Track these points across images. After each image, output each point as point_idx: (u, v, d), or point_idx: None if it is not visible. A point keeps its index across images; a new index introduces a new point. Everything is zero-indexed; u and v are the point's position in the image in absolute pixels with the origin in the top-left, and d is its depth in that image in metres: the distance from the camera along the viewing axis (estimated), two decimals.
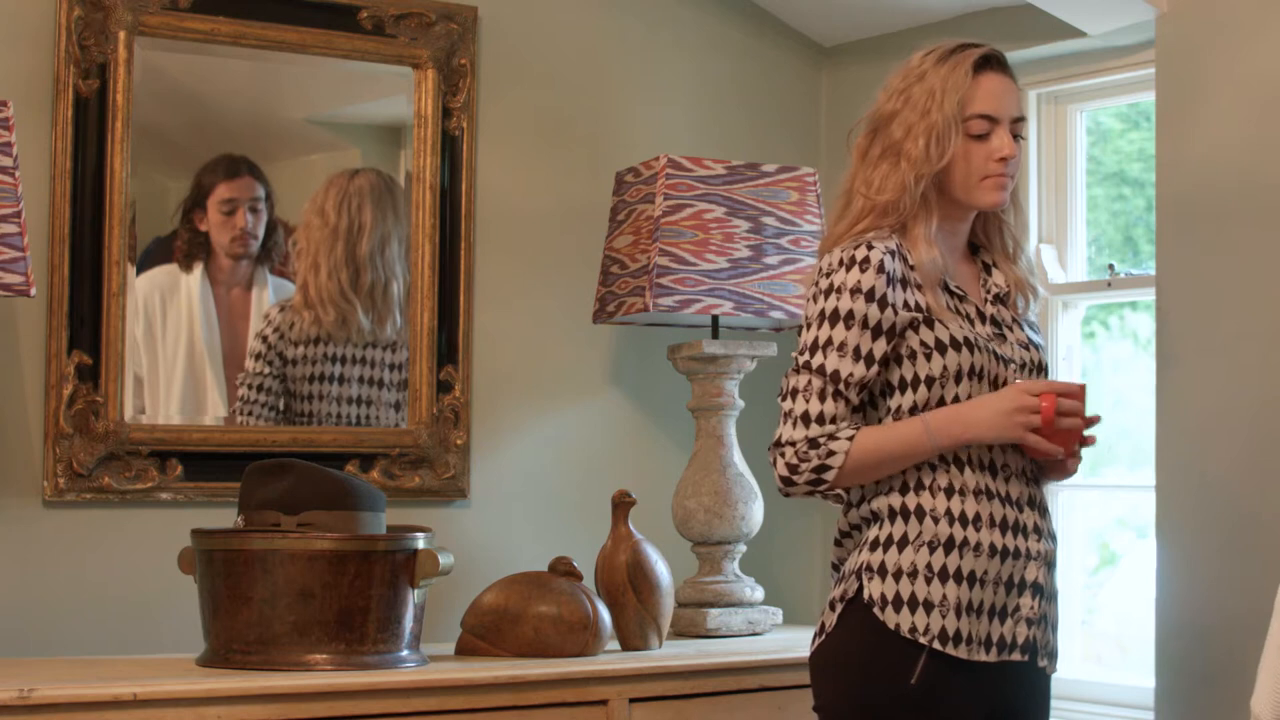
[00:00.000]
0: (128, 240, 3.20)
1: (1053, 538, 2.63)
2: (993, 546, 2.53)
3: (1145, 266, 3.51)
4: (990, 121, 2.58)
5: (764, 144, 3.87)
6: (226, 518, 3.05)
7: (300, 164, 3.48)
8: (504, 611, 3.08)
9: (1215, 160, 3.14)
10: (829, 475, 2.52)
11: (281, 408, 3.36)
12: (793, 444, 2.54)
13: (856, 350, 2.53)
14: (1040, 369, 2.67)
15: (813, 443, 2.53)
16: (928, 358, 2.54)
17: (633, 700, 2.98)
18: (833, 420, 2.53)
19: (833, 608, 2.58)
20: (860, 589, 2.53)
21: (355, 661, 2.83)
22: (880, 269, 2.53)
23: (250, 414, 3.33)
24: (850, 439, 2.52)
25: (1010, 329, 2.66)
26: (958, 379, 2.55)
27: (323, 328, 3.38)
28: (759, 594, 3.50)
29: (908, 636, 2.49)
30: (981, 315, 2.64)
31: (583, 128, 3.70)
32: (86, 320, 3.17)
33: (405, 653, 2.89)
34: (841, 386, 2.53)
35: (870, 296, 2.52)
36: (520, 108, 3.63)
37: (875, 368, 2.54)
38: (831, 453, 2.51)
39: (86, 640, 3.14)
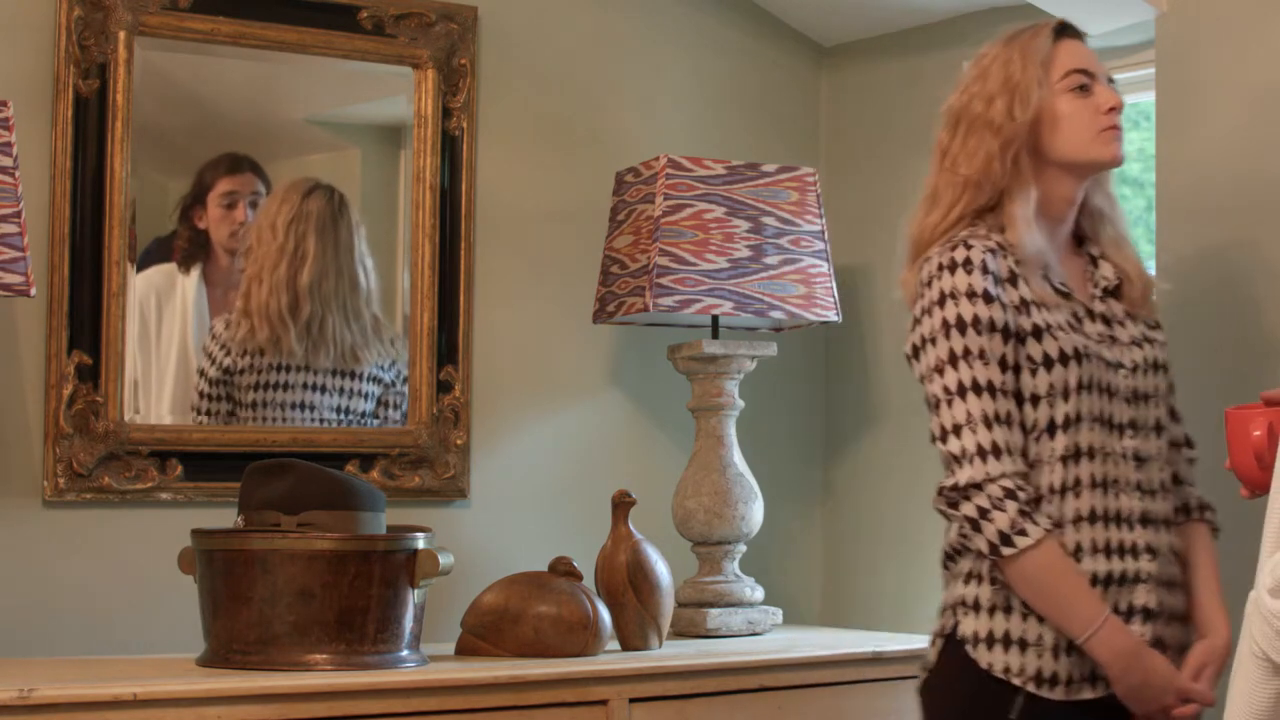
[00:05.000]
0: (128, 240, 3.20)
1: (1174, 554, 2.46)
2: (1094, 575, 2.37)
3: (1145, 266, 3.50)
4: (1088, 76, 2.48)
5: (764, 144, 3.87)
6: (226, 518, 3.05)
7: (300, 164, 3.48)
8: (504, 611, 3.08)
9: (1215, 160, 3.13)
10: (1008, 551, 2.30)
11: (227, 412, 3.34)
12: (978, 485, 2.32)
13: (1002, 359, 2.36)
14: (1157, 367, 2.51)
15: (1011, 493, 2.31)
16: (1033, 373, 2.38)
17: (633, 700, 2.98)
18: (1011, 451, 2.32)
19: (933, 642, 2.47)
20: (956, 625, 2.41)
21: (355, 661, 2.83)
22: (984, 269, 2.37)
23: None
24: (1047, 532, 2.30)
25: (1122, 325, 2.50)
26: (1065, 395, 2.38)
27: (256, 341, 3.34)
28: (759, 594, 3.50)
29: (1001, 677, 2.36)
30: (1090, 313, 2.48)
31: (583, 128, 3.70)
32: (86, 320, 3.17)
33: (405, 653, 2.89)
34: (1000, 408, 2.33)
35: (987, 298, 2.36)
36: (520, 108, 3.63)
37: (1009, 374, 2.37)
38: (1024, 531, 2.30)
39: (86, 640, 3.14)
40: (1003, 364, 2.36)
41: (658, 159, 3.45)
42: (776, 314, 3.47)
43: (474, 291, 3.54)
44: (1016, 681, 2.35)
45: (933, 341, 2.38)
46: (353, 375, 3.42)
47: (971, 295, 2.36)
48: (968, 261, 2.38)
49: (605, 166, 3.64)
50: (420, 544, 2.90)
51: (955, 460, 2.34)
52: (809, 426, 3.95)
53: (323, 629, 2.82)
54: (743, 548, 3.52)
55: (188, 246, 3.32)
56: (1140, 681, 2.34)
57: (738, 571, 3.51)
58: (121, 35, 3.20)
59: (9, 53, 3.13)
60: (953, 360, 2.36)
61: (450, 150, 3.52)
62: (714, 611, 3.43)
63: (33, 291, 2.89)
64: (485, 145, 3.58)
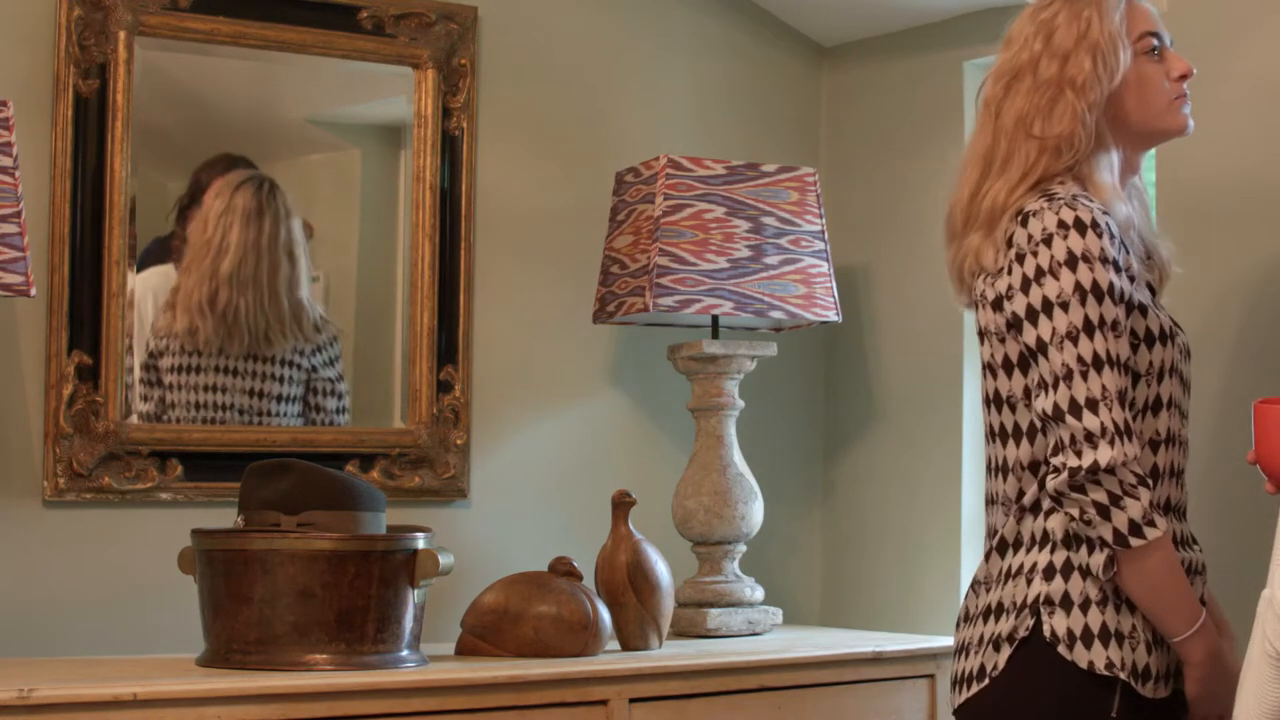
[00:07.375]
0: (128, 240, 3.20)
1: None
2: None
3: None
4: (1158, 39, 2.36)
5: (764, 144, 3.87)
6: (226, 518, 3.05)
7: (300, 164, 3.48)
8: (504, 611, 3.08)
9: (1215, 160, 3.13)
10: (1137, 542, 2.15)
11: (158, 398, 3.32)
12: (1112, 470, 2.14)
13: (1133, 332, 2.21)
14: (1188, 355, 2.38)
15: (1142, 480, 2.16)
16: (1135, 348, 2.24)
17: (633, 700, 2.98)
18: (1136, 433, 2.17)
19: (997, 647, 2.27)
20: (1038, 625, 2.23)
21: (355, 661, 2.83)
22: (1111, 234, 2.21)
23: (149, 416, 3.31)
24: (1168, 525, 2.18)
25: (1160, 309, 2.37)
26: (1160, 377, 2.26)
27: (175, 330, 3.32)
28: (759, 594, 3.50)
29: (1104, 673, 2.20)
30: (1154, 291, 2.35)
31: (583, 128, 3.70)
32: (86, 320, 3.17)
33: (405, 653, 2.89)
34: (1124, 384, 2.17)
35: (1116, 267, 2.20)
36: (520, 108, 3.63)
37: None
38: (1153, 522, 2.15)
39: (86, 640, 3.14)
40: (1131, 341, 2.23)
41: (658, 159, 3.45)
42: (776, 314, 3.47)
43: (474, 291, 3.54)
44: (1122, 675, 2.21)
45: (1063, 306, 2.19)
46: (265, 359, 3.40)
47: (1104, 261, 2.19)
48: (1095, 224, 2.21)
49: (605, 166, 3.64)
50: (420, 544, 2.90)
51: (1089, 438, 2.14)
52: (809, 426, 3.95)
53: (323, 629, 2.82)
54: (743, 548, 3.52)
55: (185, 247, 3.32)
56: (1221, 687, 2.23)
57: (738, 571, 3.51)
58: (121, 35, 3.20)
59: (9, 53, 3.13)
60: (1088, 329, 2.18)
61: (450, 150, 3.52)
62: (714, 611, 3.42)
63: (33, 291, 2.89)
64: (485, 145, 3.58)
